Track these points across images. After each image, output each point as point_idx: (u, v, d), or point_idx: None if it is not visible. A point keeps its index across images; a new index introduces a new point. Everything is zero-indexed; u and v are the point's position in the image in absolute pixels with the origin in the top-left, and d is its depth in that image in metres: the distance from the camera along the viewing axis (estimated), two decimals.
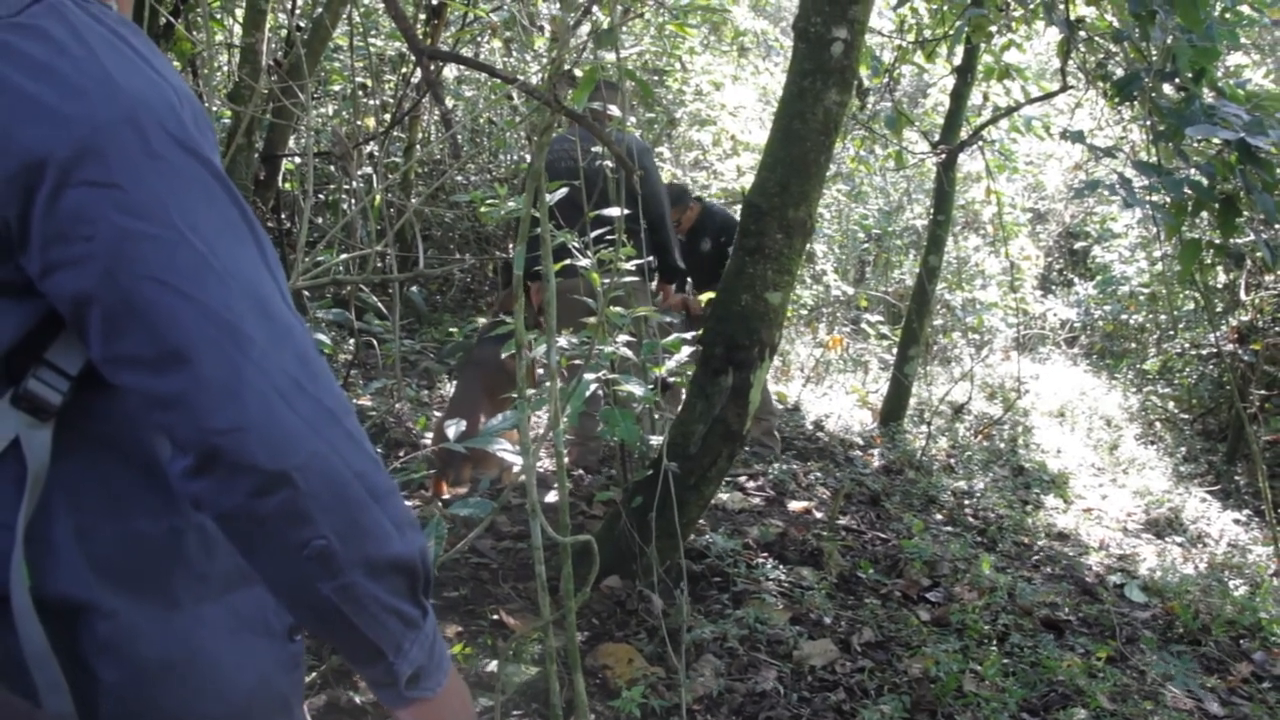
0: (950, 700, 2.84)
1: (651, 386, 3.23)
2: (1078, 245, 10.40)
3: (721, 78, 7.59)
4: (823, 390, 7.08)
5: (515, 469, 4.35)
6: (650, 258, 3.25)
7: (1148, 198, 3.85)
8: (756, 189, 2.89)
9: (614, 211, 3.22)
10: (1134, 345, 8.94)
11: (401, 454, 4.40)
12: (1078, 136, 4.08)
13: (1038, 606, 3.67)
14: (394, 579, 0.85)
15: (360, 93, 6.27)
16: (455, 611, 2.96)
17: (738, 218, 3.25)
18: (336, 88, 7.10)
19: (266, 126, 4.00)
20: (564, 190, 3.10)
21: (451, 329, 6.03)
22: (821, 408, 6.54)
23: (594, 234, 3.17)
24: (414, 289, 6.91)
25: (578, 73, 3.38)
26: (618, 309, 3.17)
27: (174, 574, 0.87)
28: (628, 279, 3.35)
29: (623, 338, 3.13)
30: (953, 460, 5.88)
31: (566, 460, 4.59)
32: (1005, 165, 7.82)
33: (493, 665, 2.63)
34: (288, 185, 5.59)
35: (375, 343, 5.09)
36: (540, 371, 3.84)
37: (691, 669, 2.84)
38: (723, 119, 7.46)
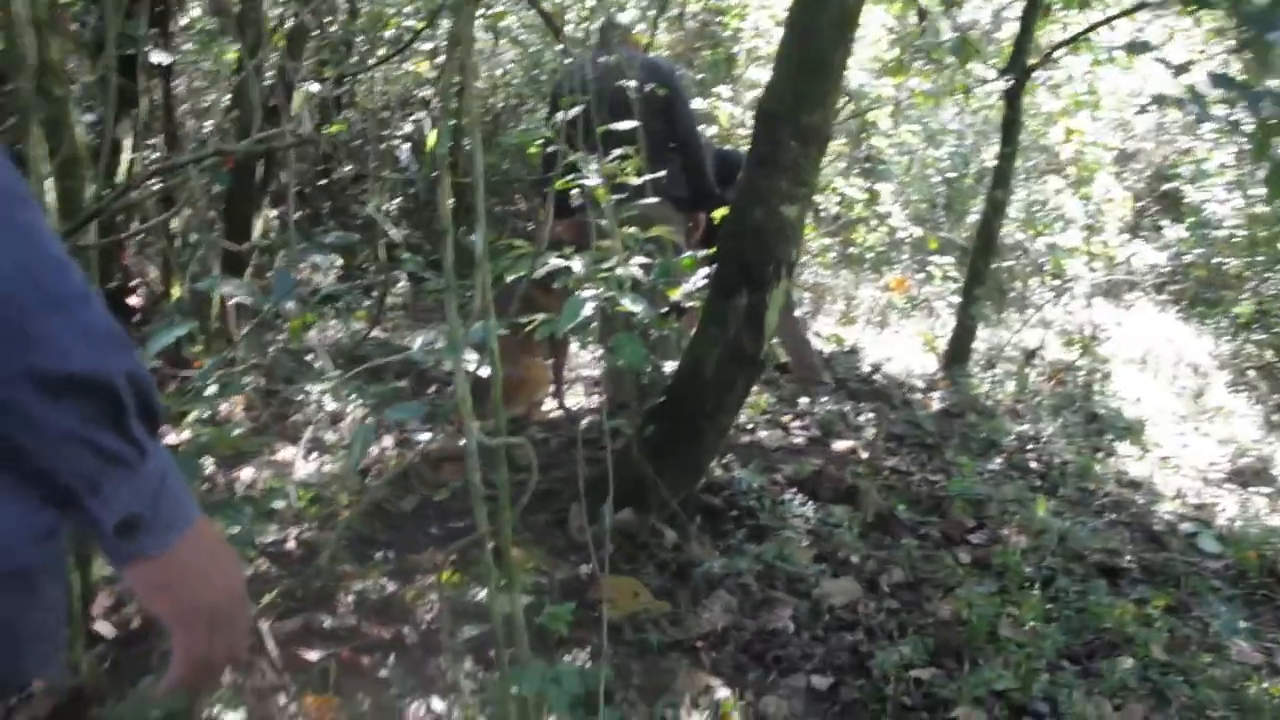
0: (982, 644, 2.63)
1: (666, 310, 3.06)
2: (1167, 187, 9.80)
3: (783, 13, 7.28)
4: (887, 334, 6.80)
5: (544, 406, 4.24)
6: (659, 174, 3.06)
7: (1228, 116, 3.52)
8: (768, 94, 2.68)
9: (627, 125, 3.05)
10: (1228, 291, 8.39)
11: (432, 390, 4.31)
12: (1143, 47, 3.74)
13: (1093, 552, 3.41)
14: (82, 402, 0.70)
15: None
16: (455, 540, 2.86)
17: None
18: (388, 34, 7.01)
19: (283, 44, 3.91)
20: (579, 109, 2.94)
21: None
22: (882, 351, 6.27)
23: (614, 154, 3.00)
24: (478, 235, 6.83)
25: None
26: (631, 230, 3.01)
27: None
28: (646, 201, 3.18)
29: (637, 259, 2.96)
30: (1020, 405, 5.57)
31: (603, 397, 4.45)
32: (1084, 102, 7.37)
33: (483, 595, 2.51)
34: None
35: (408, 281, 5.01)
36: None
37: (701, 605, 2.69)
38: None
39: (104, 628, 2.21)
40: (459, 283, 1.83)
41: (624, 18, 3.83)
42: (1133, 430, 5.51)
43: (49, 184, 2.28)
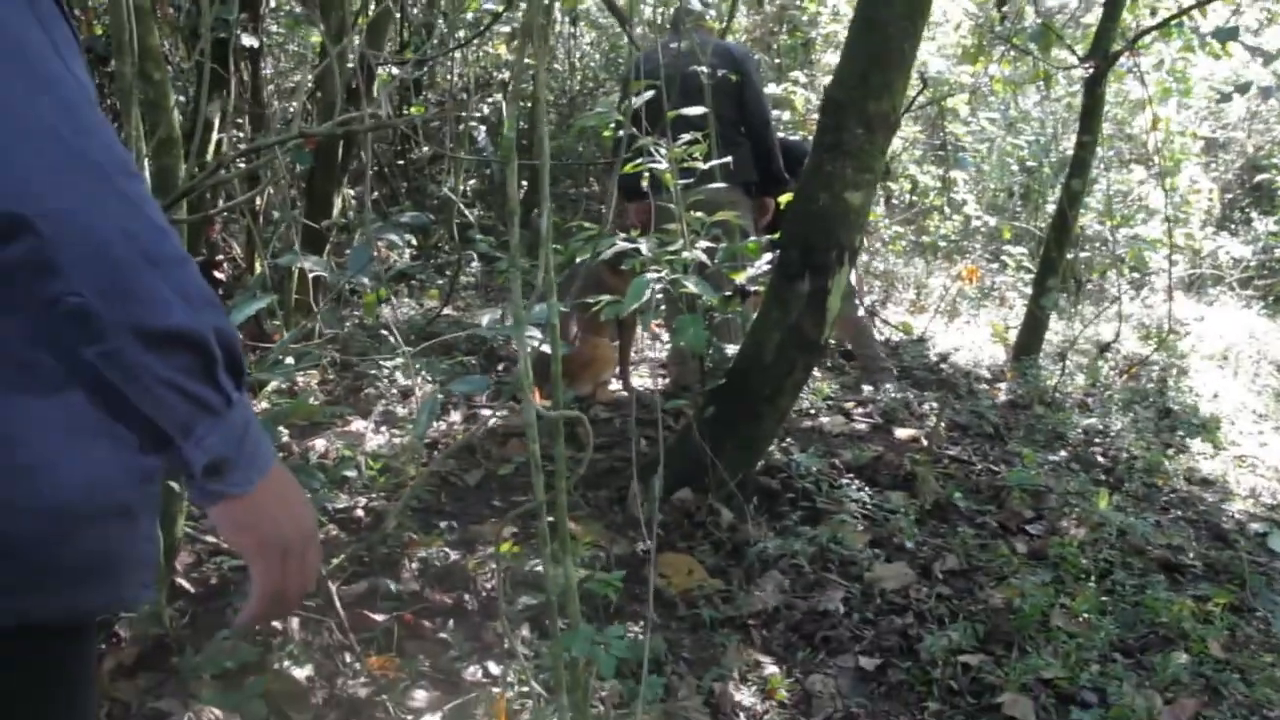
0: (1033, 633, 2.64)
1: (731, 294, 3.11)
2: (1260, 178, 9.48)
3: None
4: (958, 324, 6.74)
5: (610, 386, 4.32)
6: (726, 159, 3.10)
7: None
8: (835, 81, 2.71)
9: (696, 110, 3.09)
10: None
11: (500, 367, 4.42)
12: (1231, 33, 3.67)
13: (1155, 547, 3.38)
14: (176, 354, 0.79)
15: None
16: (532, 517, 2.95)
17: None
18: (470, 15, 7.13)
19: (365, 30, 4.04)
20: (651, 94, 2.99)
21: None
22: (951, 340, 6.22)
23: (683, 139, 3.05)
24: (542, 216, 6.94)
25: None
26: (698, 214, 3.06)
27: None
28: (714, 185, 3.22)
29: (702, 243, 3.01)
30: (1090, 399, 5.49)
31: (668, 380, 4.52)
32: (1172, 90, 7.17)
33: (540, 566, 2.60)
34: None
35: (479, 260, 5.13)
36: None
37: (754, 584, 2.75)
38: None
39: (185, 584, 2.34)
40: (527, 263, 1.91)
41: (699, 3, 3.85)
42: (1207, 427, 5.40)
43: (145, 163, 2.41)
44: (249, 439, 0.86)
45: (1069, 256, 7.34)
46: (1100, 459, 4.49)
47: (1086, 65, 5.37)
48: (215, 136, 3.96)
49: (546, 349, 1.85)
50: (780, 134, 5.78)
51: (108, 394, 0.78)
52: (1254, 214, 9.34)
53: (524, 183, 7.37)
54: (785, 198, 3.14)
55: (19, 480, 0.83)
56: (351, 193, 5.02)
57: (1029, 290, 6.33)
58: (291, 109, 5.72)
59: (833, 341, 5.74)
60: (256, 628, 2.09)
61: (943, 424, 3.87)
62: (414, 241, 5.50)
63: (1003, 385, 5.36)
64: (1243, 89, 3.31)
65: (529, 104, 7.15)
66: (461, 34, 6.63)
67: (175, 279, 0.79)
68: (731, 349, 3.10)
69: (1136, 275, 8.09)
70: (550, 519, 1.67)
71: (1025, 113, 8.66)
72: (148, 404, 0.78)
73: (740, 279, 3.04)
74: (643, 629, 2.47)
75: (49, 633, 0.89)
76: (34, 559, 0.84)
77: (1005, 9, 5.25)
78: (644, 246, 2.97)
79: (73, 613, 0.90)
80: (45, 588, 0.86)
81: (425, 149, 6.28)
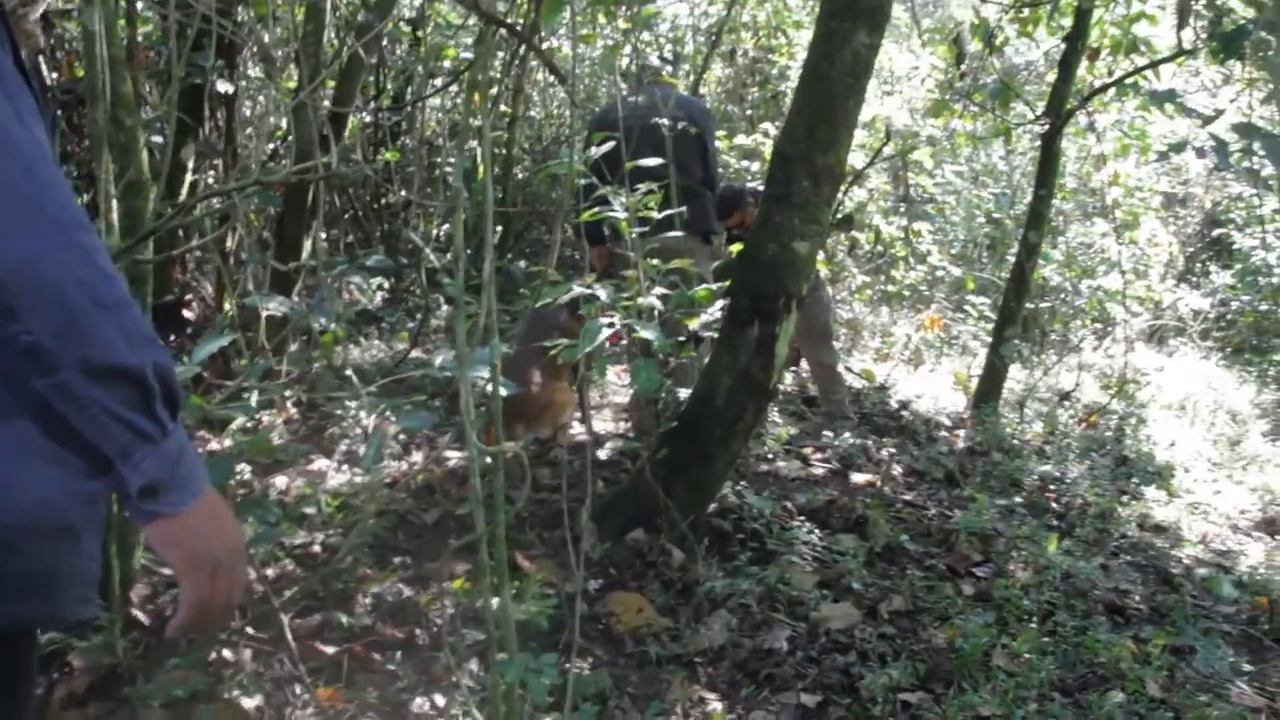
0: (973, 672, 2.71)
1: (684, 340, 3.20)
2: (1218, 232, 9.72)
3: None
4: (921, 372, 6.85)
5: (570, 430, 4.39)
6: (683, 209, 3.20)
7: (1244, 163, 3.58)
8: (784, 135, 2.82)
9: (652, 162, 3.20)
10: (1278, 339, 8.29)
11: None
12: (1168, 96, 3.83)
13: (1102, 591, 3.46)
14: (119, 387, 0.88)
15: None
16: (473, 551, 3.00)
17: None
18: (447, 63, 7.27)
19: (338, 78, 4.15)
20: (610, 145, 3.09)
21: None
22: (913, 388, 6.33)
23: (640, 190, 3.15)
24: (518, 262, 7.05)
25: None
26: (654, 261, 3.15)
27: None
28: (671, 235, 3.32)
29: (658, 290, 3.10)
30: (1048, 446, 5.60)
31: (628, 424, 4.59)
32: (1130, 145, 7.38)
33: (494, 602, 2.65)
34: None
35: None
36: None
37: (702, 622, 2.81)
38: None
39: (140, 615, 2.38)
40: (499, 307, 1.99)
41: (659, 60, 4.00)
42: (1162, 475, 5.51)
43: (114, 203, 2.49)
44: (183, 464, 0.94)
45: (1030, 306, 7.49)
46: (1054, 505, 4.58)
47: (1042, 121, 5.55)
48: (189, 179, 4.05)
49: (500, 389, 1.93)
50: (752, 183, 5.95)
51: (55, 422, 0.87)
52: (1213, 267, 9.56)
53: (499, 228, 7.48)
54: (736, 247, 3.24)
55: None
56: (323, 236, 5.10)
57: (990, 339, 6.47)
58: (264, 152, 5.82)
59: (792, 386, 5.85)
60: (200, 647, 2.14)
61: (898, 469, 3.96)
62: (385, 285, 5.58)
63: (962, 432, 5.46)
64: (1178, 148, 3.45)
65: (504, 151, 7.30)
66: (438, 81, 6.77)
67: (120, 321, 0.88)
68: (685, 393, 3.18)
69: (1099, 326, 8.25)
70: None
71: (991, 165, 8.87)
72: (92, 431, 0.87)
73: (694, 324, 3.13)
74: (590, 665, 2.52)
75: None
76: None
77: (963, 67, 5.43)
78: (601, 292, 3.05)
79: (14, 623, 0.97)
80: None
81: (400, 193, 6.38)
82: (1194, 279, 9.73)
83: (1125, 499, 5.02)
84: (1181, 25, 5.07)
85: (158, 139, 4.34)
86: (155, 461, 0.91)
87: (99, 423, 0.87)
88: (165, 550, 0.98)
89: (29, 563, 0.96)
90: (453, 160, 6.75)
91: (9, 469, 0.94)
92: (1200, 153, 3.49)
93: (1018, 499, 4.55)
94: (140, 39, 4.07)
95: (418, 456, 3.74)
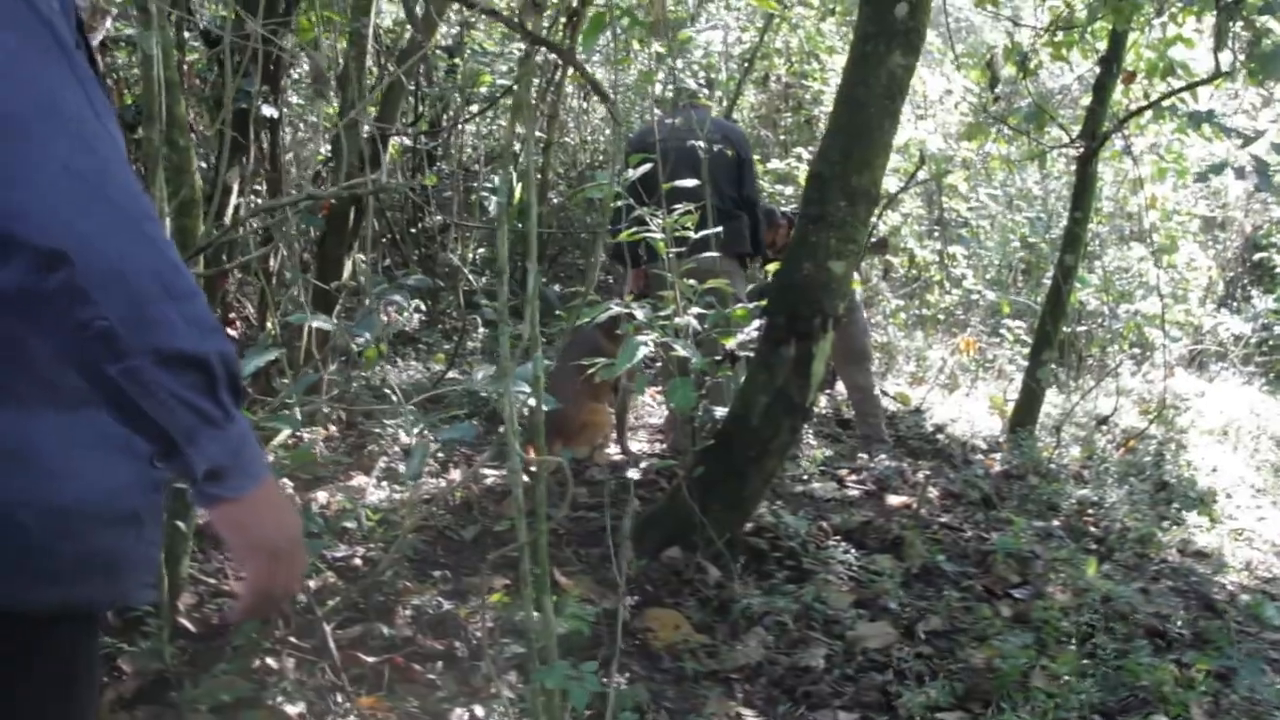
0: (1011, 693, 2.69)
1: (720, 359, 3.22)
2: (1258, 256, 9.61)
3: None
4: (956, 396, 6.82)
5: (606, 448, 4.42)
6: (719, 230, 3.24)
7: None
8: (819, 156, 2.85)
9: (688, 183, 3.23)
10: None
11: (502, 428, 4.52)
12: (1207, 117, 3.82)
13: (1143, 615, 3.42)
14: (186, 373, 0.91)
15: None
16: (513, 567, 3.03)
17: None
18: (483, 89, 7.38)
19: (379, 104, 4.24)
20: (648, 166, 3.14)
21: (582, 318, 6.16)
22: (948, 412, 6.31)
23: (676, 210, 3.19)
24: (553, 285, 7.11)
25: None
26: (690, 281, 3.19)
27: (15, 376, 0.95)
28: (707, 255, 3.35)
29: (695, 309, 3.13)
30: (1086, 471, 5.55)
31: (663, 445, 4.61)
32: (1167, 169, 7.33)
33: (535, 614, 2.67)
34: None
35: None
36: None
37: (738, 639, 2.81)
38: None
39: (187, 623, 2.43)
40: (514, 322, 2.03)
41: (694, 84, 4.05)
42: (1204, 501, 5.44)
43: (167, 221, 2.56)
44: (245, 450, 0.97)
45: (1067, 331, 7.45)
46: (1092, 529, 4.54)
47: (1077, 145, 5.54)
48: (234, 200, 4.14)
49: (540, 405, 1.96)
50: (785, 207, 5.99)
51: (125, 406, 0.90)
52: (1254, 292, 9.45)
53: None
54: (772, 266, 3.27)
55: (42, 484, 0.95)
56: (362, 257, 5.19)
57: (1026, 364, 6.44)
58: (307, 175, 5.94)
59: (827, 409, 5.84)
60: (245, 655, 2.18)
61: (934, 491, 3.95)
62: (421, 307, 5.65)
63: (998, 456, 5.42)
64: (1217, 169, 3.44)
65: (539, 175, 7.39)
66: (474, 108, 6.88)
67: (187, 309, 0.91)
68: (721, 411, 3.20)
69: (1137, 351, 8.18)
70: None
71: (1025, 190, 8.85)
72: (160, 415, 0.91)
73: (730, 344, 3.16)
74: (627, 680, 2.53)
75: (52, 621, 1.00)
76: (51, 553, 0.96)
77: (997, 90, 5.44)
78: (638, 312, 3.09)
79: (80, 604, 1.01)
80: (59, 579, 0.97)
81: (437, 217, 6.47)
82: (1234, 304, 9.63)
83: (1165, 524, 4.96)
84: (1219, 47, 5.05)
85: (202, 164, 4.45)
86: (220, 446, 0.95)
87: (167, 406, 0.90)
88: (228, 533, 1.02)
89: (98, 547, 1.00)
90: (490, 183, 6.86)
91: (80, 458, 0.98)
92: (1240, 173, 3.48)
93: (1055, 522, 4.52)
94: (187, 66, 4.19)
95: (456, 474, 3.78)
